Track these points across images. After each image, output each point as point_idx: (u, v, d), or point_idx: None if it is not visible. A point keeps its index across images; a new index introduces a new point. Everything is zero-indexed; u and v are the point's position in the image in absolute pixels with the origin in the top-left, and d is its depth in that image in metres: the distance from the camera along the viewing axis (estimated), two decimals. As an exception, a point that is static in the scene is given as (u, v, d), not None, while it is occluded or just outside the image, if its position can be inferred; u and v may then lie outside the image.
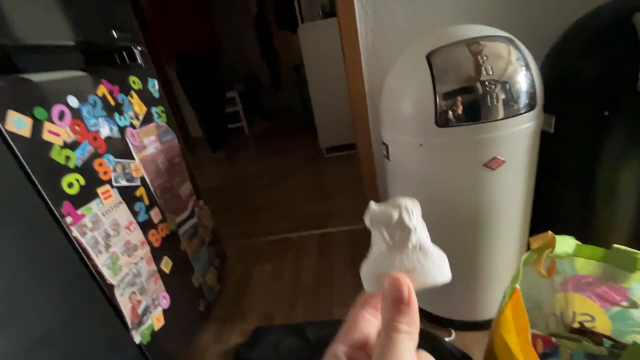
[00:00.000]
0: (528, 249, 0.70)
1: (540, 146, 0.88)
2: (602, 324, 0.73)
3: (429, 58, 0.75)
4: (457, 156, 0.77)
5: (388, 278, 0.20)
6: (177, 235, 1.09)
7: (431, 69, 0.75)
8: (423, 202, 0.85)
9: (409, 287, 0.20)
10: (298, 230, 1.75)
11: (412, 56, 0.80)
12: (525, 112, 0.75)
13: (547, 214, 1.02)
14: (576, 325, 0.76)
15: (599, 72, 0.79)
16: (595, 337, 0.72)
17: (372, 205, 0.23)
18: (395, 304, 0.19)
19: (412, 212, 0.21)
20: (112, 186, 0.83)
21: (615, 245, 0.66)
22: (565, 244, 0.71)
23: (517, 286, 0.61)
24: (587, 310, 0.74)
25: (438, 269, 0.21)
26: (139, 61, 1.05)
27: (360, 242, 1.53)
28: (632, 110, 0.76)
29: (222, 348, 1.12)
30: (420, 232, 0.21)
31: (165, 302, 0.97)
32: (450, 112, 0.74)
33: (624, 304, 0.69)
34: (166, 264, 1.00)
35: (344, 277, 1.34)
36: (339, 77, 1.72)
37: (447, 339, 0.94)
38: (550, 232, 0.68)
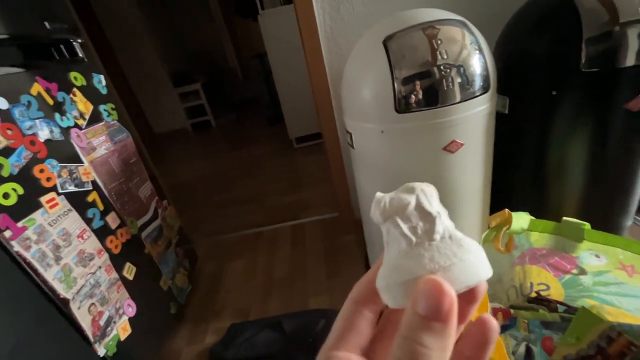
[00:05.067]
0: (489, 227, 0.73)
1: (497, 127, 0.91)
2: (556, 292, 0.79)
3: (385, 43, 0.75)
4: (417, 141, 0.78)
5: (424, 280, 0.14)
6: (140, 239, 1.04)
7: (388, 55, 0.74)
8: (388, 188, 0.86)
9: (452, 300, 0.14)
10: (270, 223, 1.73)
11: (369, 42, 0.78)
12: (480, 95, 0.77)
13: (505, 192, 1.07)
14: (533, 294, 0.81)
15: (546, 53, 0.82)
16: (550, 304, 0.77)
17: (379, 195, 0.18)
18: (426, 317, 0.14)
19: (432, 196, 0.18)
20: (59, 193, 0.77)
21: (565, 218, 0.70)
22: (521, 220, 0.75)
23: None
24: (543, 279, 0.79)
25: (479, 261, 0.16)
26: (80, 55, 0.97)
27: (333, 231, 1.54)
28: (577, 90, 0.80)
29: (197, 349, 1.10)
30: (445, 218, 0.17)
31: (130, 310, 0.92)
32: (408, 98, 0.74)
33: (574, 271, 0.74)
34: (129, 271, 0.95)
35: (317, 267, 1.35)
36: (303, 65, 1.68)
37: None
38: (507, 210, 0.71)
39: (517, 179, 1.05)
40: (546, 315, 0.70)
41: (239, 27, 4.65)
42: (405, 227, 0.17)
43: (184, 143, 3.74)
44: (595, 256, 0.71)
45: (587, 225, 0.69)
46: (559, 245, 0.74)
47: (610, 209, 0.97)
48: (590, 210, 0.97)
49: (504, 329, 0.69)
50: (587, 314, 0.59)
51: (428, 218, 0.17)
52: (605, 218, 0.99)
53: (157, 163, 3.06)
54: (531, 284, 0.81)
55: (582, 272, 0.73)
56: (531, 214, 0.77)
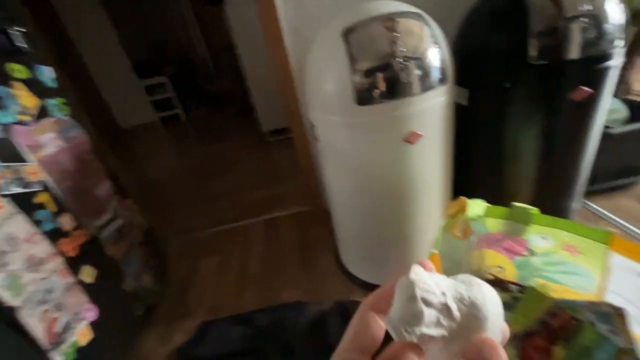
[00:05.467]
0: (450, 215, 0.76)
1: (458, 118, 0.94)
2: (510, 273, 0.83)
3: (344, 36, 0.75)
4: (378, 133, 0.79)
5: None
6: (99, 240, 0.99)
7: (347, 48, 0.74)
8: (353, 180, 0.87)
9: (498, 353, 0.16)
10: (243, 218, 1.71)
11: (329, 34, 0.78)
12: (438, 87, 0.78)
13: (467, 180, 1.11)
14: (490, 277, 0.85)
15: (499, 47, 0.85)
16: (505, 284, 0.82)
17: (391, 322, 0.18)
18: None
19: (426, 280, 0.18)
20: (3, 195, 0.72)
21: (514, 203, 0.74)
22: (477, 207, 0.78)
23: (435, 251, 0.66)
24: (498, 262, 0.84)
25: (489, 296, 0.17)
26: (22, 45, 0.89)
27: (306, 224, 1.54)
28: (527, 82, 0.83)
29: (167, 349, 1.07)
30: (446, 287, 0.18)
31: (91, 314, 0.88)
32: (368, 90, 0.75)
33: (525, 253, 0.79)
34: (88, 273, 0.91)
35: (290, 261, 1.35)
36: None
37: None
38: (462, 198, 0.74)
39: (478, 168, 1.09)
40: (501, 295, 0.75)
41: (207, 15, 4.47)
42: (434, 333, 0.17)
43: (154, 138, 3.59)
44: (542, 238, 0.76)
45: (535, 210, 0.73)
46: (510, 229, 0.78)
47: (560, 193, 1.03)
48: (543, 195, 1.03)
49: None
50: (534, 292, 0.63)
51: (442, 309, 0.17)
52: (556, 202, 1.06)
53: (126, 159, 2.92)
54: (488, 266, 0.85)
55: (532, 253, 0.77)
56: (491, 201, 0.81)
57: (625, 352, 0.53)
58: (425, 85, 0.77)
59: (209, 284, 1.33)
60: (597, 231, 0.67)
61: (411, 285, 0.17)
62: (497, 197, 1.07)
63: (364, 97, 0.75)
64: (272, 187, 2.01)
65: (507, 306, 0.71)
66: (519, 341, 0.63)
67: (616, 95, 1.38)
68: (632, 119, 1.29)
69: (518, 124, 0.92)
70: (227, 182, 2.21)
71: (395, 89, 0.75)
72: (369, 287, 1.12)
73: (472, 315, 0.17)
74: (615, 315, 0.60)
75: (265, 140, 2.74)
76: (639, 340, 0.59)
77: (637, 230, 1.15)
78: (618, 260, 0.68)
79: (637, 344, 0.55)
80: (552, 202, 1.06)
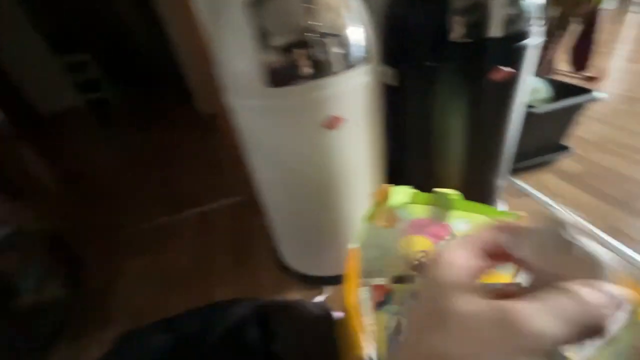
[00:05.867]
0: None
1: (389, 100, 0.90)
2: (436, 257, 0.84)
3: (250, 6, 0.64)
4: (295, 118, 0.71)
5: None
6: (-24, 253, 0.83)
7: (253, 20, 0.64)
8: (275, 169, 0.77)
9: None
10: (176, 212, 1.57)
11: (233, 7, 0.67)
12: (359, 66, 0.72)
13: (401, 164, 1.09)
14: (417, 262, 0.85)
15: (423, 24, 0.81)
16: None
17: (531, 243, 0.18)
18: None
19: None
20: None
21: (435, 189, 0.72)
22: (402, 194, 0.75)
23: (355, 245, 0.62)
24: (424, 247, 0.83)
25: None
26: None
27: (241, 215, 1.45)
28: (450, 60, 0.80)
29: (79, 367, 0.96)
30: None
31: (-34, 343, 0.74)
32: (280, 70, 0.66)
33: (448, 238, 0.79)
34: (-40, 295, 0.75)
35: (223, 256, 1.27)
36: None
37: (316, 299, 0.97)
38: (385, 186, 0.71)
39: (410, 151, 1.08)
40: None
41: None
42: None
43: (78, 125, 3.19)
44: (464, 223, 0.76)
45: (456, 195, 0.72)
46: (434, 215, 0.77)
47: (487, 171, 1.05)
48: (471, 173, 1.03)
49: (380, 305, 0.70)
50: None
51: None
52: (484, 180, 1.08)
53: (45, 150, 2.56)
54: (414, 252, 0.85)
55: (455, 237, 0.78)
56: (423, 184, 0.78)
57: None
58: (345, 64, 0.70)
59: (133, 288, 1.21)
60: (509, 214, 0.67)
61: (562, 222, 0.18)
62: (430, 179, 1.07)
63: (275, 77, 0.66)
64: (207, 177, 1.87)
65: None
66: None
67: (539, 75, 1.43)
68: (556, 98, 1.35)
69: (444, 104, 0.89)
70: (159, 173, 2.03)
71: (312, 68, 0.67)
72: (307, 280, 1.08)
73: (592, 266, 0.17)
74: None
75: (203, 125, 2.54)
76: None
77: (556, 204, 1.23)
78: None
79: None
80: (480, 180, 1.08)
